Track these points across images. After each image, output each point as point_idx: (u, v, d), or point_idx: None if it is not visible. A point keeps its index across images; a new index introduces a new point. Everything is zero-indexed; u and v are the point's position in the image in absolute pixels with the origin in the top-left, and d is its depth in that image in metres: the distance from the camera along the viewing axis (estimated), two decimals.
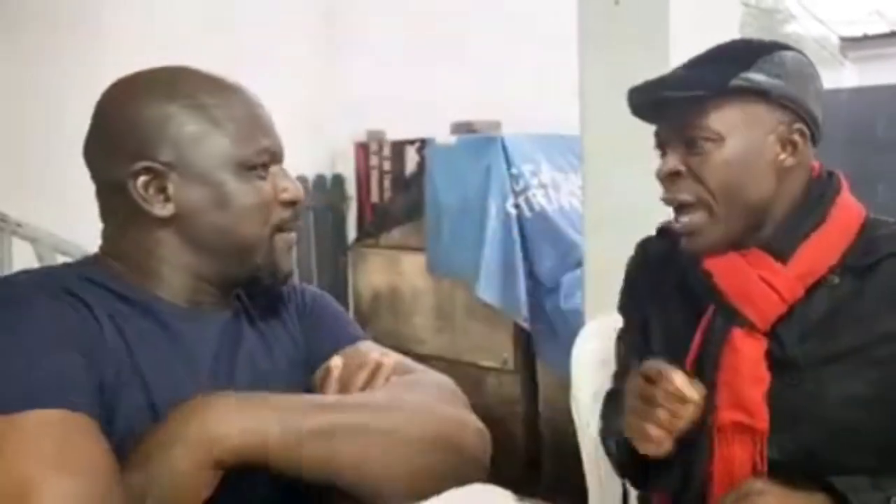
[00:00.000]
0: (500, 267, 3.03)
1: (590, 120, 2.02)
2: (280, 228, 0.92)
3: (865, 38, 7.63)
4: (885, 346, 0.95)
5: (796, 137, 0.98)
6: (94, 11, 3.03)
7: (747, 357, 0.99)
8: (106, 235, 0.92)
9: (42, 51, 2.88)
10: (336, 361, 0.94)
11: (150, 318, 0.87)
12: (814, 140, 1.01)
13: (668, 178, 1.01)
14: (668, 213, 1.07)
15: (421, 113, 3.54)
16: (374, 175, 3.62)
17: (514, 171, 3.09)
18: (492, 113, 3.43)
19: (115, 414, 0.80)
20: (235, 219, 0.88)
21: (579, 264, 2.59)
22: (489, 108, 3.46)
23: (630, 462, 1.08)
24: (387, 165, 3.58)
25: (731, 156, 0.97)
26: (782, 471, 0.95)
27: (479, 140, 3.21)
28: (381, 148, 3.60)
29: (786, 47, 1.01)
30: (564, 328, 2.73)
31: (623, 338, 1.21)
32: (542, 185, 3.12)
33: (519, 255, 3.02)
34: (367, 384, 0.91)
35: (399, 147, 3.52)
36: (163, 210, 0.87)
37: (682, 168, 0.99)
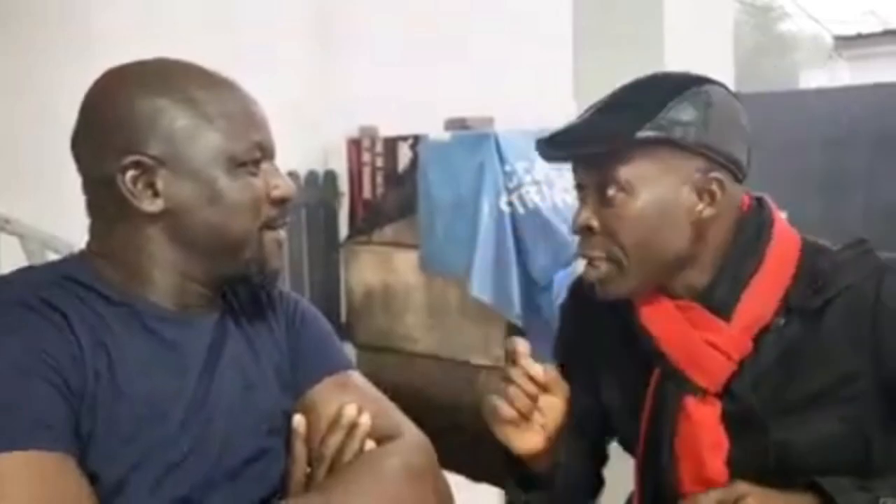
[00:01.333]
0: (494, 264, 3.02)
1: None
2: (269, 226, 0.91)
3: (859, 36, 7.65)
4: (849, 385, 0.91)
5: (713, 187, 0.92)
6: (86, 7, 3.00)
7: (703, 425, 0.95)
8: (93, 232, 0.90)
9: (33, 46, 2.86)
10: (298, 420, 0.92)
11: (135, 321, 0.85)
12: (737, 180, 0.96)
13: (580, 232, 0.97)
14: None
15: (414, 109, 3.53)
16: (367, 171, 3.61)
17: (507, 168, 3.08)
18: (485, 109, 3.43)
19: (95, 426, 0.78)
20: (225, 215, 0.87)
21: (572, 262, 2.59)
22: (483, 104, 3.46)
23: (510, 472, 1.05)
24: (379, 162, 3.56)
25: (644, 209, 0.92)
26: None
27: (472, 137, 3.20)
28: (373, 144, 3.58)
29: (705, 82, 0.94)
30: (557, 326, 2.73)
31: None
32: (536, 183, 3.12)
33: (512, 252, 3.02)
34: (340, 450, 0.89)
35: (392, 143, 3.51)
36: (151, 206, 0.85)
37: (595, 223, 0.94)
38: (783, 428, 0.93)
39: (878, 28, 7.80)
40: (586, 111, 0.97)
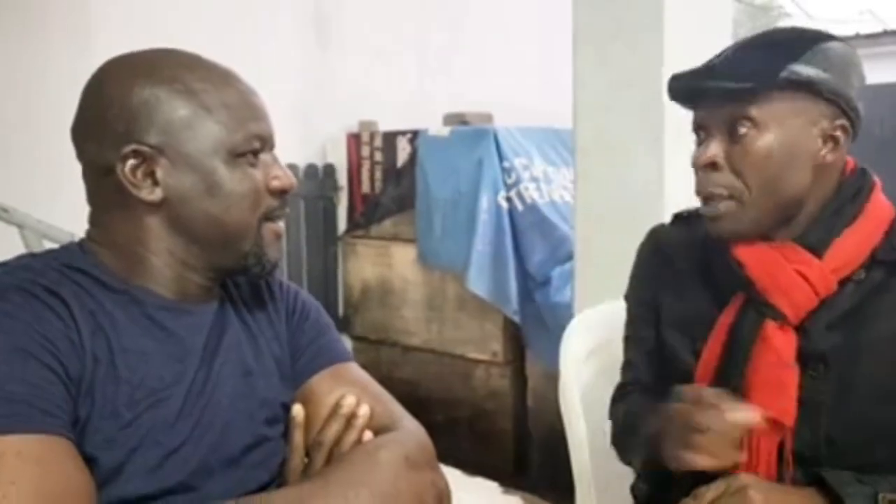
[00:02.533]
0: (491, 260, 3.03)
1: (582, 114, 2.01)
2: (268, 217, 0.91)
3: (857, 36, 7.65)
4: None
5: (838, 133, 0.97)
6: None
7: (780, 352, 0.98)
8: (93, 221, 0.90)
9: (30, 35, 2.85)
10: (297, 409, 0.93)
11: (135, 309, 0.86)
12: (854, 135, 1.00)
13: (705, 169, 0.99)
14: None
15: (413, 104, 3.54)
16: (366, 165, 3.61)
17: (506, 164, 3.09)
18: (485, 105, 3.43)
19: (93, 411, 0.79)
20: (224, 206, 0.87)
21: (570, 258, 2.59)
22: (482, 100, 3.46)
23: (657, 480, 1.08)
24: (378, 156, 3.56)
25: (773, 147, 0.95)
26: (805, 462, 0.96)
27: (471, 132, 3.20)
28: (372, 138, 3.58)
29: (833, 38, 0.98)
30: (554, 321, 2.74)
31: (632, 328, 1.20)
32: (534, 179, 3.12)
33: (510, 248, 3.03)
34: (338, 439, 0.90)
35: (391, 138, 3.51)
36: (151, 195, 0.85)
37: (721, 159, 0.97)
38: (846, 373, 0.96)
39: (875, 28, 7.80)
40: (720, 53, 1.00)
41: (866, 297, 0.97)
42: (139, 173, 0.84)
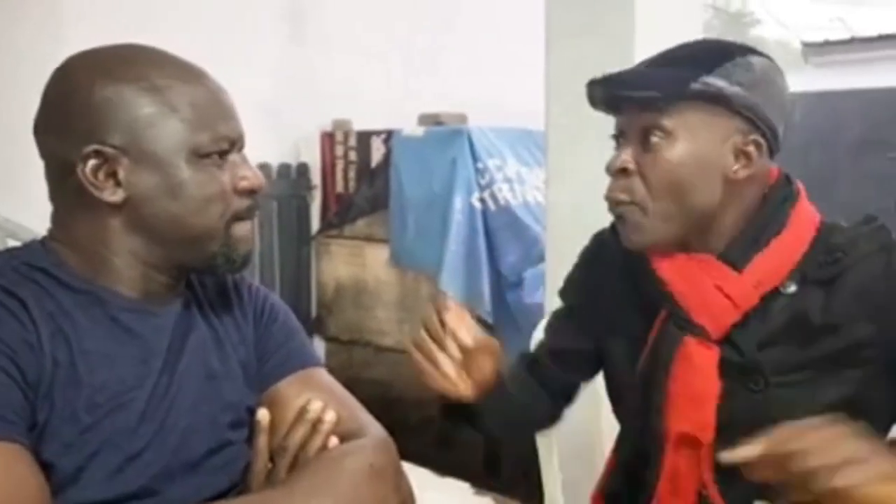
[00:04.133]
0: (464, 260, 3.04)
1: (554, 115, 2.02)
2: (238, 217, 0.89)
3: (827, 43, 7.77)
4: (856, 353, 0.94)
5: (751, 149, 0.95)
6: None
7: (699, 367, 0.98)
8: (55, 219, 0.88)
9: None
10: (262, 413, 0.91)
11: (97, 310, 0.84)
12: (771, 151, 0.98)
13: (616, 175, 0.99)
14: None
15: (388, 104, 3.53)
16: (340, 165, 3.60)
17: (479, 164, 3.09)
18: (459, 106, 3.44)
19: (52, 415, 0.77)
20: (188, 209, 0.84)
21: (543, 259, 2.61)
22: (456, 101, 3.46)
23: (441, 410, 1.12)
24: (352, 155, 3.55)
25: (682, 157, 0.95)
26: (729, 479, 0.94)
27: (445, 132, 3.21)
28: (346, 138, 3.57)
29: (754, 52, 0.98)
30: (526, 322, 2.74)
31: (552, 323, 1.21)
32: (508, 180, 3.13)
33: (483, 248, 3.03)
34: (304, 445, 0.89)
35: (365, 137, 3.50)
36: (113, 196, 0.82)
37: (632, 165, 0.97)
38: (778, 390, 0.96)
39: (845, 36, 7.94)
40: (641, 63, 1.01)
41: (799, 316, 0.96)
42: (101, 174, 0.82)
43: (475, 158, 3.10)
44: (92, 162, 0.81)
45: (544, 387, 1.18)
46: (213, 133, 0.85)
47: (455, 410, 1.09)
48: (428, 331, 1.03)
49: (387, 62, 3.77)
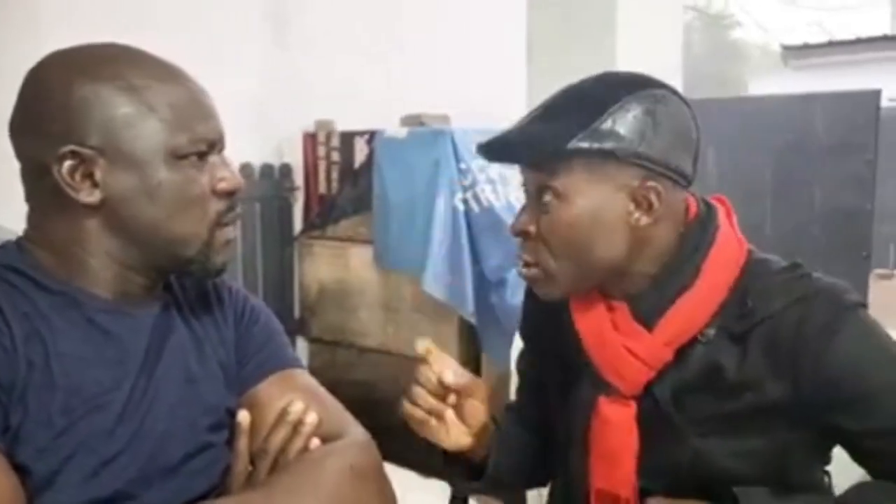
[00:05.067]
0: (447, 261, 3.04)
1: None
2: (219, 223, 0.88)
3: (805, 46, 7.87)
4: (770, 411, 0.91)
5: (651, 196, 0.90)
6: None
7: (615, 425, 0.96)
8: (30, 220, 0.87)
9: None
10: (243, 415, 0.90)
11: (73, 311, 0.83)
12: (682, 185, 0.94)
13: (518, 236, 0.97)
14: None
15: (371, 104, 3.53)
16: (322, 166, 3.59)
17: (462, 165, 3.10)
18: (442, 107, 3.44)
19: (27, 418, 0.76)
20: (166, 210, 0.83)
21: None
22: (440, 102, 3.47)
23: (445, 465, 1.11)
24: (335, 156, 3.54)
25: (576, 216, 0.91)
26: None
27: (428, 133, 3.21)
28: (329, 138, 3.56)
29: (650, 86, 0.92)
30: (510, 323, 2.75)
31: (520, 356, 1.21)
32: (491, 181, 3.14)
33: (466, 249, 3.04)
34: (284, 447, 0.88)
35: (348, 138, 3.49)
36: (89, 197, 0.82)
37: (531, 228, 0.95)
38: (701, 439, 0.94)
39: (823, 39, 8.04)
40: (526, 116, 0.97)
41: (713, 366, 0.92)
42: (77, 175, 0.81)
43: (458, 159, 3.10)
44: (68, 163, 0.80)
45: (536, 432, 1.15)
46: (192, 134, 0.84)
47: (463, 468, 1.09)
48: (422, 384, 1.02)
49: (370, 63, 3.77)
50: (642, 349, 0.93)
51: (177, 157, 0.83)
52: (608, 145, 0.88)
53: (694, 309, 0.93)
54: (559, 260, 0.94)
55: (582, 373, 1.02)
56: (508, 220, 3.41)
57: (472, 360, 3.14)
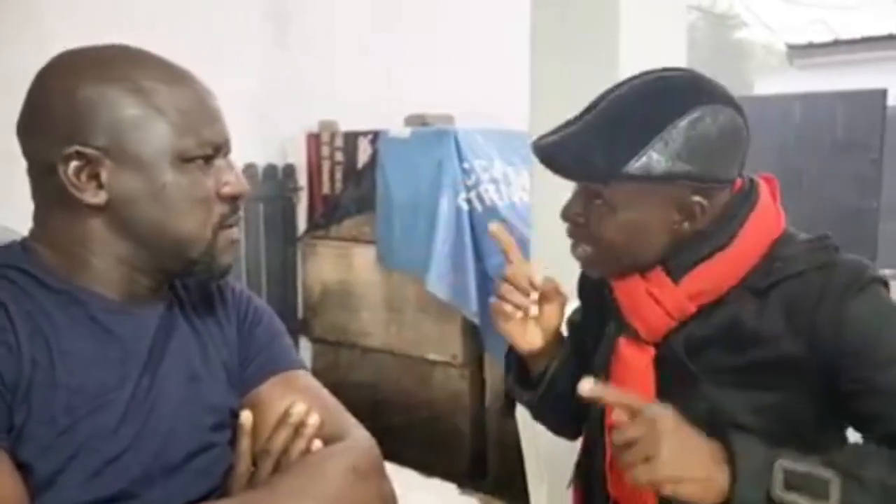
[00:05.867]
0: (451, 261, 3.04)
1: (538, 117, 2.03)
2: (223, 225, 0.87)
3: (811, 45, 7.84)
4: (786, 366, 0.94)
5: (695, 209, 0.96)
6: None
7: (632, 365, 1.02)
8: (36, 219, 0.87)
9: None
10: (245, 415, 0.91)
11: (77, 310, 0.83)
12: (726, 188, 0.99)
13: (568, 221, 1.03)
14: None
15: (375, 105, 3.53)
16: (326, 166, 3.59)
17: (466, 165, 3.10)
18: (446, 107, 3.44)
19: (30, 417, 0.76)
20: (171, 213, 0.83)
21: (528, 260, 2.61)
22: (443, 102, 3.47)
23: (512, 370, 1.18)
24: (339, 156, 3.54)
25: (624, 225, 0.97)
26: None
27: (432, 133, 3.21)
28: (333, 138, 3.56)
29: (697, 98, 0.95)
30: None
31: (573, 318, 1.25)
32: (494, 181, 3.14)
33: (469, 249, 3.04)
34: (287, 448, 0.89)
35: (352, 138, 3.49)
36: (94, 198, 0.81)
37: (581, 219, 1.01)
38: (716, 389, 0.97)
39: (828, 38, 8.01)
40: (576, 121, 0.99)
41: (733, 323, 0.97)
42: (83, 175, 0.81)
43: (461, 159, 3.10)
44: (74, 164, 0.81)
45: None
46: (199, 138, 0.84)
47: (524, 372, 1.16)
48: (511, 279, 1.07)
49: (373, 63, 3.77)
50: (665, 297, 0.99)
51: (183, 160, 0.83)
52: (659, 170, 0.93)
53: (723, 270, 0.98)
54: (605, 251, 1.00)
55: (610, 318, 1.10)
56: (512, 219, 3.41)
57: (475, 360, 3.14)
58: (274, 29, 3.66)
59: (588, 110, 1.00)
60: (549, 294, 1.09)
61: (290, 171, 3.67)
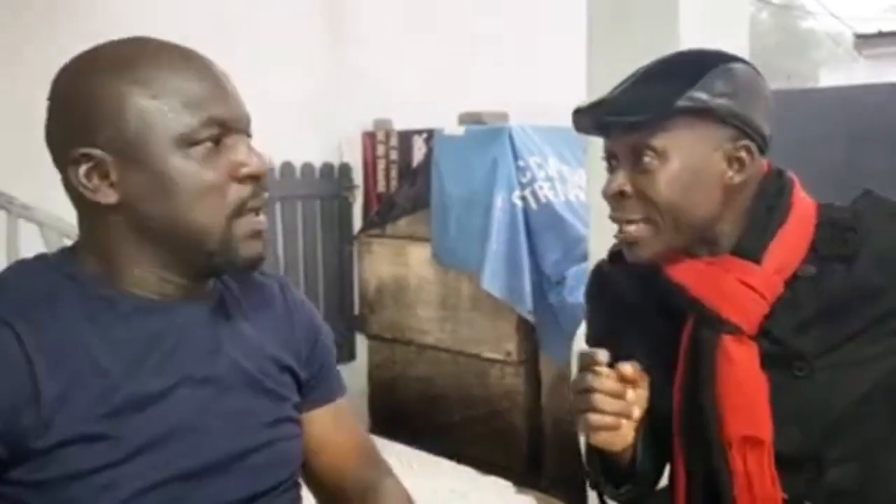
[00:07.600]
0: (506, 259, 3.03)
1: None
2: (240, 212, 0.81)
3: (880, 34, 7.55)
4: (892, 320, 0.96)
5: (743, 154, 0.97)
6: None
7: (742, 364, 0.98)
8: (78, 222, 0.86)
9: (42, 29, 2.86)
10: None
11: (116, 312, 0.81)
12: (762, 152, 1.00)
13: (614, 198, 0.99)
14: None
15: (429, 103, 3.54)
16: (381, 164, 3.62)
17: (520, 163, 3.08)
18: (500, 104, 3.43)
19: (72, 425, 0.75)
20: (180, 203, 0.79)
21: (585, 258, 2.59)
22: (497, 99, 3.45)
23: (601, 470, 1.06)
24: (394, 155, 3.57)
25: (677, 173, 0.96)
26: (790, 464, 0.96)
27: (486, 131, 3.20)
28: (388, 137, 3.59)
29: (734, 59, 0.99)
30: (568, 321, 2.73)
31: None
32: (549, 178, 3.12)
33: (524, 247, 3.02)
34: None
35: (406, 137, 3.51)
36: (107, 198, 0.79)
37: (628, 188, 0.98)
38: (827, 371, 0.96)
39: None
40: (621, 83, 1.00)
41: (827, 297, 0.97)
42: (94, 177, 0.79)
43: (516, 157, 3.09)
44: (83, 166, 0.79)
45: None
46: (202, 117, 0.79)
47: (612, 469, 1.04)
48: (600, 390, 0.96)
49: (427, 61, 3.78)
50: (756, 279, 0.97)
51: (188, 143, 0.79)
52: (711, 104, 0.94)
53: (793, 239, 0.99)
54: (664, 215, 0.98)
55: (682, 337, 1.02)
56: (567, 216, 3.38)
57: (529, 358, 3.13)
58: (329, 30, 3.70)
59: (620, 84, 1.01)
60: (636, 380, 0.99)
61: (345, 169, 3.71)
